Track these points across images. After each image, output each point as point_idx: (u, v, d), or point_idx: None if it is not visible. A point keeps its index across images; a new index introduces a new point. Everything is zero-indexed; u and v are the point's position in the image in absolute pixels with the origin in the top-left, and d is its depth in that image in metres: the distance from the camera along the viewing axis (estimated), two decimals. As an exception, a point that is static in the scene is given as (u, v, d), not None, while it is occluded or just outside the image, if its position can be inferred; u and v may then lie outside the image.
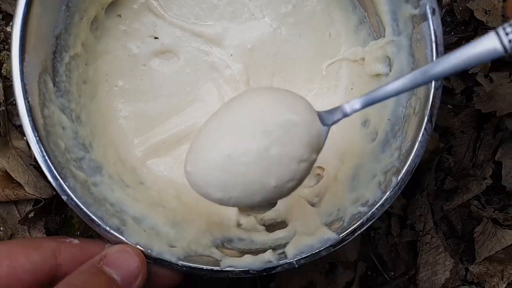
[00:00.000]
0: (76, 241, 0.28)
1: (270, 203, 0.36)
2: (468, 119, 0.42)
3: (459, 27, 0.43)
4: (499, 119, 0.41)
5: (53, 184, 0.28)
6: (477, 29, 0.41)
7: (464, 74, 0.41)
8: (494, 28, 0.38)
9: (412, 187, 0.44)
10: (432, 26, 0.27)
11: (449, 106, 0.43)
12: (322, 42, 0.37)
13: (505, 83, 0.39)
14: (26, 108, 0.27)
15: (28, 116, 0.27)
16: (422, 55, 0.28)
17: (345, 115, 0.29)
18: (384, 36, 0.31)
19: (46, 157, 0.27)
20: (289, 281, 0.43)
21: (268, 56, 0.37)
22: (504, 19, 0.41)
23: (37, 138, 0.27)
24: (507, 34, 0.23)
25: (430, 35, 0.27)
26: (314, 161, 0.29)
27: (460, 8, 0.41)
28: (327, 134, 0.29)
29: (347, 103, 0.29)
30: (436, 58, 0.27)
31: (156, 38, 0.36)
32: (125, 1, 0.35)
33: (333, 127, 0.34)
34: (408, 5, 0.29)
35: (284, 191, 0.29)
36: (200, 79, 0.37)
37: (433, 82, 0.27)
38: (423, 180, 0.43)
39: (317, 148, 0.29)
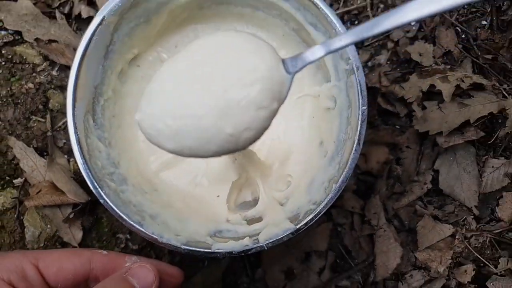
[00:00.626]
0: (105, 252, 0.37)
1: (253, 202, 0.46)
2: (412, 136, 0.53)
3: (403, 65, 0.54)
4: (434, 137, 0.52)
5: (94, 192, 0.39)
6: (415, 67, 0.53)
7: (405, 102, 0.52)
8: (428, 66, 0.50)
9: (369, 191, 0.54)
10: (357, 77, 0.38)
11: (396, 126, 0.54)
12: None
13: (434, 109, 0.50)
14: (76, 140, 0.39)
15: (77, 145, 0.39)
16: (354, 96, 0.40)
17: (309, 62, 0.29)
18: (330, 81, 0.43)
19: (89, 173, 0.39)
20: (272, 267, 0.54)
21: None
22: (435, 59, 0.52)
23: (83, 160, 0.39)
24: None
25: (357, 83, 0.39)
26: (274, 111, 0.29)
27: (402, 51, 0.53)
28: (290, 83, 0.29)
29: (308, 50, 0.29)
30: (361, 100, 0.39)
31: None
32: (143, 55, 0.47)
33: (301, 148, 0.45)
34: (342, 62, 0.40)
35: (241, 142, 0.29)
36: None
37: (360, 116, 0.39)
38: (377, 185, 0.54)
39: (279, 97, 0.28)
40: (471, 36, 0.52)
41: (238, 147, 0.29)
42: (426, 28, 0.53)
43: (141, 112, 0.30)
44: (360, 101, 0.38)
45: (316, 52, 0.29)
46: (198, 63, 0.29)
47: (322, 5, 0.38)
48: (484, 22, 0.52)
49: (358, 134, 0.39)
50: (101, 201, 0.39)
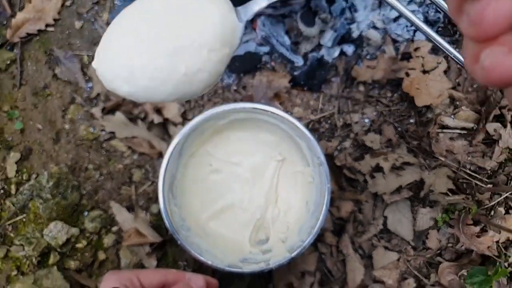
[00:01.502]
0: (174, 270, 0.63)
1: (266, 240, 0.74)
2: (368, 195, 0.81)
3: (360, 148, 0.83)
4: (381, 195, 0.80)
5: (174, 236, 0.68)
6: (368, 149, 0.81)
7: (362, 173, 0.81)
8: (376, 150, 0.77)
9: (341, 231, 0.82)
10: (324, 168, 0.67)
11: (358, 188, 0.82)
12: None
13: (380, 178, 0.78)
14: (163, 207, 0.68)
15: (165, 212, 0.68)
16: (323, 179, 0.68)
17: (256, 10, 0.31)
18: (309, 166, 0.72)
19: (170, 225, 0.68)
20: (279, 282, 0.82)
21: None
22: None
23: (167, 218, 0.68)
24: None
25: (324, 170, 0.67)
26: (227, 56, 0.31)
27: (360, 139, 0.82)
28: (242, 31, 0.31)
29: (254, 1, 0.32)
30: (326, 180, 0.67)
31: (210, 165, 0.77)
32: (197, 151, 0.76)
33: (295, 206, 0.74)
34: (315, 158, 0.69)
35: (195, 84, 0.30)
36: (231, 181, 0.78)
37: (327, 189, 0.67)
38: (347, 227, 0.82)
39: (230, 43, 0.30)
40: (403, 129, 0.81)
41: (194, 91, 0.31)
42: (375, 125, 0.82)
43: (97, 59, 0.31)
44: (326, 180, 0.67)
45: (260, 2, 0.32)
46: (154, 10, 0.30)
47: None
48: (411, 121, 0.81)
49: (326, 199, 0.67)
50: (178, 242, 0.68)
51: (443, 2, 0.59)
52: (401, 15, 0.59)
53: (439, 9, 0.79)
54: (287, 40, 0.78)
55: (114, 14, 0.82)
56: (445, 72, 0.79)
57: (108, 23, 0.83)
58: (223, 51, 0.31)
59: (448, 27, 0.81)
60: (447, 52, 0.50)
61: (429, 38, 0.75)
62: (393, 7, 0.57)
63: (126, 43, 0.30)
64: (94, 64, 0.32)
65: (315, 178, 0.71)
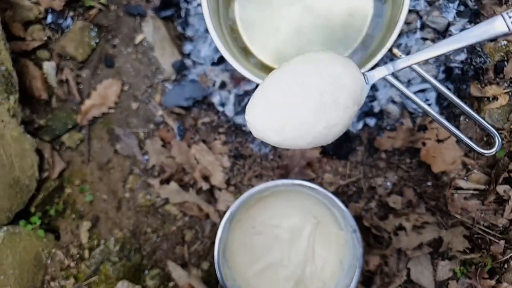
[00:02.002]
0: None
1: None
2: (393, 250, 0.92)
3: (384, 208, 0.94)
4: (405, 251, 0.90)
5: (226, 285, 0.79)
6: (391, 210, 0.92)
7: (387, 231, 0.91)
8: (398, 210, 0.89)
9: (369, 282, 0.92)
10: (356, 235, 0.78)
11: (383, 244, 0.93)
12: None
13: (403, 235, 0.89)
14: (220, 274, 0.79)
15: (220, 276, 0.79)
16: (356, 241, 0.79)
17: (383, 76, 0.39)
18: (343, 230, 0.83)
19: (223, 281, 0.79)
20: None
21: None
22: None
23: (223, 283, 0.79)
24: (510, 17, 0.29)
25: (357, 237, 0.78)
26: (355, 112, 0.36)
27: (384, 200, 0.93)
28: (367, 92, 0.37)
29: (382, 68, 0.41)
30: (359, 245, 0.78)
31: (253, 227, 0.89)
32: (242, 217, 0.88)
33: (331, 265, 0.84)
34: (348, 226, 0.80)
35: (330, 135, 0.36)
36: (273, 241, 0.89)
37: (359, 251, 0.78)
38: (375, 278, 0.92)
39: (359, 102, 0.36)
40: (422, 191, 0.92)
41: (328, 139, 0.37)
42: (397, 188, 0.93)
43: (250, 114, 0.37)
44: (359, 245, 0.78)
45: (383, 71, 0.41)
46: (298, 73, 0.36)
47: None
48: (429, 183, 0.92)
49: (359, 262, 0.78)
50: (231, 299, 0.79)
51: (447, 91, 0.71)
52: (408, 98, 0.71)
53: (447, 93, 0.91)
54: (317, 118, 0.90)
55: (166, 96, 0.95)
56: (457, 141, 0.90)
57: (160, 104, 0.96)
58: (354, 108, 0.38)
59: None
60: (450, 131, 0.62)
61: (442, 112, 0.86)
62: (399, 91, 0.69)
63: (275, 101, 0.37)
64: (247, 117, 0.39)
65: (348, 242, 0.82)
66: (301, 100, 0.37)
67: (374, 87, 0.91)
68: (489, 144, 0.89)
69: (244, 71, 0.71)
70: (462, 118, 0.92)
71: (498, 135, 0.71)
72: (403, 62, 0.47)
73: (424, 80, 0.92)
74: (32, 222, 0.84)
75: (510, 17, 0.30)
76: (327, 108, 0.36)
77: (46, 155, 0.90)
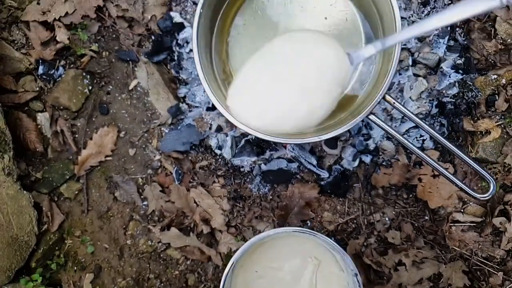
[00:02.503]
0: None
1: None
2: (393, 285, 0.93)
3: (384, 243, 0.95)
4: (405, 286, 0.92)
5: None
6: (391, 245, 0.94)
7: (387, 267, 0.93)
8: (398, 245, 0.90)
9: (373, 317, 0.94)
10: (358, 279, 0.79)
11: (384, 278, 0.94)
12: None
13: (403, 271, 0.91)
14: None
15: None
16: (356, 286, 0.80)
17: (367, 56, 0.38)
18: (344, 272, 0.84)
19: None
20: None
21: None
22: None
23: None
24: None
25: (358, 281, 0.79)
26: (339, 94, 0.36)
27: (383, 235, 0.94)
28: (351, 73, 0.36)
29: (365, 48, 0.39)
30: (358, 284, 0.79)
31: (256, 272, 0.90)
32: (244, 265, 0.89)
33: None
34: (347, 267, 0.81)
35: (314, 119, 0.35)
36: (275, 284, 0.90)
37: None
38: (378, 313, 0.94)
39: (343, 84, 0.35)
40: (420, 225, 0.93)
41: (311, 124, 0.37)
42: (395, 223, 0.94)
43: (231, 98, 0.37)
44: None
45: (370, 50, 0.38)
46: (281, 55, 0.34)
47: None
48: (426, 218, 0.94)
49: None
50: None
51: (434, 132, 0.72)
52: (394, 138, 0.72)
53: (443, 125, 0.92)
54: (313, 160, 0.91)
55: (162, 142, 0.95)
56: (453, 175, 0.91)
57: (157, 149, 0.96)
58: (338, 91, 0.36)
59: (454, 139, 0.94)
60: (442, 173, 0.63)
61: (437, 147, 0.88)
62: (388, 133, 0.70)
63: (257, 85, 0.34)
64: (228, 102, 0.37)
65: (350, 284, 0.83)
66: (283, 84, 0.35)
67: (368, 126, 0.92)
68: (483, 179, 0.90)
69: (237, 122, 0.72)
70: (456, 152, 0.93)
71: (493, 180, 0.72)
72: (391, 39, 0.44)
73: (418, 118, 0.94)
74: (33, 279, 0.84)
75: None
76: (310, 91, 0.35)
77: (44, 208, 0.90)
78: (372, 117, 0.73)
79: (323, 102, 0.37)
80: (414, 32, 0.43)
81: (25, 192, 0.86)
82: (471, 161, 0.73)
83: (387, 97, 0.74)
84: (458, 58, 0.92)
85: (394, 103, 0.75)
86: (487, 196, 0.73)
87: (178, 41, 0.95)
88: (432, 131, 0.74)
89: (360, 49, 0.41)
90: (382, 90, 0.70)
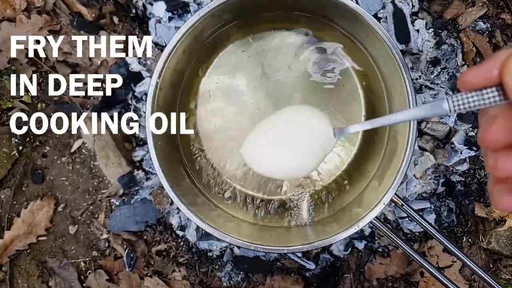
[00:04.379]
0: None
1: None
2: None
3: None
4: None
5: None
6: None
7: None
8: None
9: None
10: None
11: None
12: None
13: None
14: None
15: None
16: None
17: (347, 133, 0.45)
18: None
19: None
20: None
21: None
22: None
23: None
24: (453, 101, 0.31)
25: None
26: (323, 158, 0.46)
27: None
28: (334, 144, 0.46)
29: (348, 128, 0.44)
30: None
31: None
32: None
33: None
34: None
35: (304, 171, 0.47)
36: None
37: None
38: None
39: (326, 150, 0.45)
40: (420, 326, 0.79)
41: (301, 174, 0.49)
42: (390, 321, 0.79)
43: (245, 149, 0.48)
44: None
45: (350, 129, 0.44)
46: (281, 125, 0.47)
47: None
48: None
49: None
50: None
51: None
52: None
53: (451, 209, 0.78)
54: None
55: (112, 220, 0.77)
56: (460, 270, 0.77)
57: (105, 226, 0.78)
58: (321, 156, 0.46)
59: (462, 226, 0.79)
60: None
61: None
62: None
63: (264, 144, 0.47)
64: (241, 151, 0.49)
65: None
66: (280, 147, 0.47)
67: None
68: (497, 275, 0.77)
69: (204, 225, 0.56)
70: (464, 240, 0.79)
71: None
72: (359, 126, 0.46)
73: (423, 198, 0.79)
74: None
75: (453, 101, 0.32)
76: (302, 153, 0.46)
77: (-46, 308, 0.70)
78: (375, 222, 0.59)
79: (310, 163, 0.47)
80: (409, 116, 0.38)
81: None
82: (480, 271, 0.58)
83: (394, 198, 0.58)
84: (471, 129, 0.78)
85: (402, 205, 0.60)
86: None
87: (135, 93, 0.77)
88: (444, 241, 0.59)
89: (344, 128, 0.46)
90: (389, 194, 0.55)
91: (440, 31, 0.77)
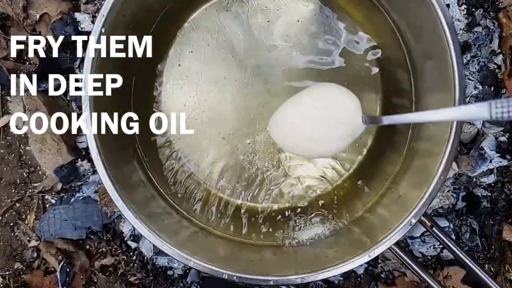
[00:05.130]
0: None
1: None
2: None
3: None
4: None
5: None
6: None
7: None
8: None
9: None
10: None
11: None
12: None
13: None
14: None
15: None
16: None
17: (375, 124, 0.43)
18: None
19: None
20: None
21: None
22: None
23: None
24: (496, 107, 0.30)
25: None
26: (349, 143, 0.44)
27: None
28: (362, 131, 0.43)
29: (380, 117, 0.43)
30: None
31: None
32: None
33: None
34: None
35: (328, 153, 0.47)
36: None
37: None
38: None
39: (353, 135, 0.43)
40: None
41: (326, 156, 0.50)
42: None
43: (272, 126, 0.47)
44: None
45: (384, 120, 0.42)
46: (310, 103, 0.45)
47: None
48: None
49: None
50: None
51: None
52: None
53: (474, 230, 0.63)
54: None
55: (42, 223, 0.59)
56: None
57: (34, 230, 0.60)
58: (347, 139, 0.43)
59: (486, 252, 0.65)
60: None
61: (463, 265, 0.58)
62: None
63: (288, 125, 0.45)
64: (268, 128, 0.47)
65: None
66: (306, 127, 0.45)
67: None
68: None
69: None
70: (486, 268, 0.65)
71: None
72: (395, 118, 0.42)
73: (438, 215, 0.64)
74: None
75: (496, 107, 0.29)
76: (326, 137, 0.44)
77: None
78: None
79: (336, 147, 0.44)
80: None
81: None
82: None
83: (422, 218, 0.44)
84: (502, 133, 0.63)
85: (432, 227, 0.45)
86: None
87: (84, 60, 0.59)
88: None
89: (377, 116, 0.44)
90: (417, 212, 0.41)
91: (474, 9, 0.62)
